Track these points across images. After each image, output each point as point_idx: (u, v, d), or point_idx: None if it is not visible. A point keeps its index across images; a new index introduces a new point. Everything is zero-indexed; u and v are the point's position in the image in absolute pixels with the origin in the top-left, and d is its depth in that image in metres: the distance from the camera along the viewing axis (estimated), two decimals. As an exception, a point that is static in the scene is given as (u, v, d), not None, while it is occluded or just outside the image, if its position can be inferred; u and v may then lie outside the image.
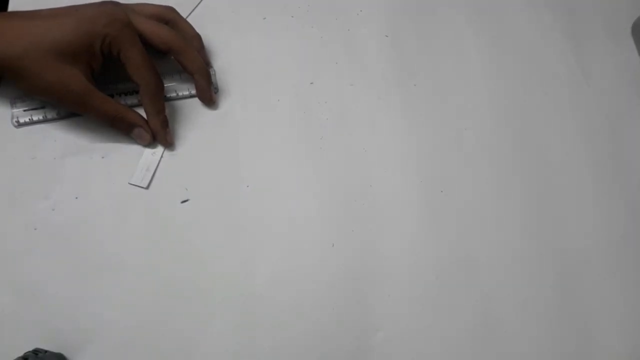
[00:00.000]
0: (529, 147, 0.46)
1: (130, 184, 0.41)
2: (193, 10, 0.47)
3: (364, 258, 0.41)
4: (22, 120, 0.42)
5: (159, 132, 0.42)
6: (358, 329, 0.39)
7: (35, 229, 0.40)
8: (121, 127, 0.41)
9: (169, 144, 0.43)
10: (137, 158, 0.42)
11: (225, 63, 0.46)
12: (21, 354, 0.34)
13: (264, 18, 0.48)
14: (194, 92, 0.44)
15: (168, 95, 0.44)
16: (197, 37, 0.44)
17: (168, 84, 0.44)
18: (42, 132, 0.42)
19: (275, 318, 0.39)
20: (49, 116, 0.42)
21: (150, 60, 0.40)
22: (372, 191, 0.43)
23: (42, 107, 0.42)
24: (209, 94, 0.44)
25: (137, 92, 0.43)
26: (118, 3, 0.40)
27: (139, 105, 0.43)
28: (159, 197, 0.41)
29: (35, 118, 0.42)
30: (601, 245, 0.43)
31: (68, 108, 0.42)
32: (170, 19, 0.43)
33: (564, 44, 0.50)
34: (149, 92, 0.40)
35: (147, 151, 0.42)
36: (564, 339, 0.40)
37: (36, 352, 0.35)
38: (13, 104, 0.42)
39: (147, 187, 0.41)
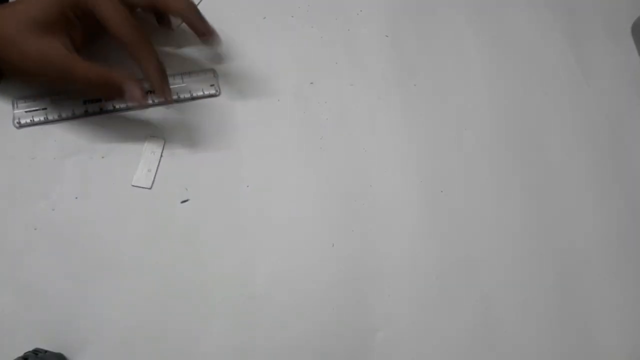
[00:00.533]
0: (529, 147, 0.46)
1: (134, 185, 0.41)
2: (193, 10, 0.48)
3: (364, 258, 0.41)
4: (23, 122, 0.42)
5: (157, 82, 0.39)
6: (358, 329, 0.39)
7: (35, 229, 0.40)
8: (111, 92, 0.39)
9: (168, 97, 0.40)
10: (136, 158, 0.42)
11: (225, 63, 0.46)
12: (21, 354, 0.34)
13: (264, 18, 0.48)
14: (195, 94, 0.44)
15: (169, 96, 0.44)
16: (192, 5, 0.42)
17: (170, 87, 0.44)
18: (42, 132, 0.42)
19: (275, 318, 0.39)
20: (51, 117, 0.42)
21: (126, 12, 0.38)
22: (372, 191, 0.43)
23: (44, 109, 0.42)
24: (205, 27, 0.42)
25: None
26: None
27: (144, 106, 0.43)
28: (159, 197, 0.41)
29: (36, 119, 0.42)
30: (601, 245, 0.43)
31: (54, 82, 0.40)
32: None
33: (564, 44, 0.50)
34: (134, 44, 0.38)
35: (147, 151, 0.42)
36: (564, 339, 0.40)
37: (36, 352, 0.35)
38: (15, 105, 0.42)
39: (151, 188, 0.42)
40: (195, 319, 0.38)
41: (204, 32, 0.43)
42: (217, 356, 0.38)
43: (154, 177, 0.42)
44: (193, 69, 0.45)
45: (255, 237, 0.41)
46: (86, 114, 0.43)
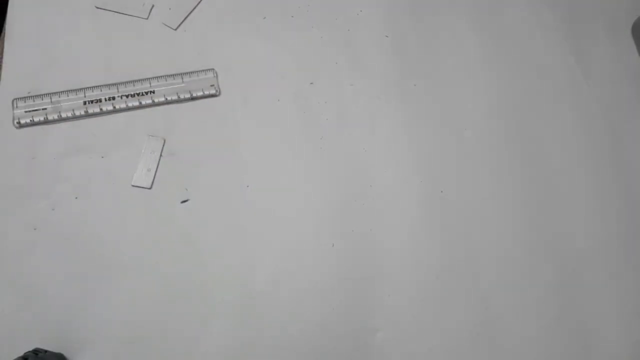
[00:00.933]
0: (529, 147, 0.46)
1: (133, 185, 0.41)
2: (193, 9, 0.48)
3: (364, 258, 0.41)
4: (23, 122, 0.42)
5: None
6: (358, 329, 0.39)
7: (35, 229, 0.40)
8: None
9: None
10: (136, 157, 0.42)
11: (225, 63, 0.46)
12: (21, 354, 0.34)
13: (264, 18, 0.48)
14: (195, 94, 0.44)
15: (170, 98, 0.44)
16: None
17: (170, 87, 0.44)
18: (42, 132, 0.42)
19: (275, 318, 0.39)
20: (50, 117, 0.42)
21: None
22: (372, 191, 0.43)
23: (44, 109, 0.42)
24: None
25: (138, 94, 0.43)
26: None
27: (140, 107, 0.43)
28: (159, 197, 0.41)
29: (36, 119, 0.42)
30: (601, 245, 0.43)
31: None
32: None
33: (564, 44, 0.50)
34: None
35: (147, 150, 0.42)
36: (563, 339, 0.40)
37: (36, 352, 0.35)
38: (14, 105, 0.42)
39: (150, 188, 0.41)
40: (195, 319, 0.38)
41: None
42: (217, 356, 0.38)
43: (154, 177, 0.42)
44: (193, 69, 0.45)
45: (255, 237, 0.41)
46: (86, 114, 0.43)
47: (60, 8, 0.46)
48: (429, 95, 0.47)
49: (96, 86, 0.44)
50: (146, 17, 0.47)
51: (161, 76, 0.44)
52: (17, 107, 0.42)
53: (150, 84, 0.44)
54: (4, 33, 0.45)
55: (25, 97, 0.43)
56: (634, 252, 0.43)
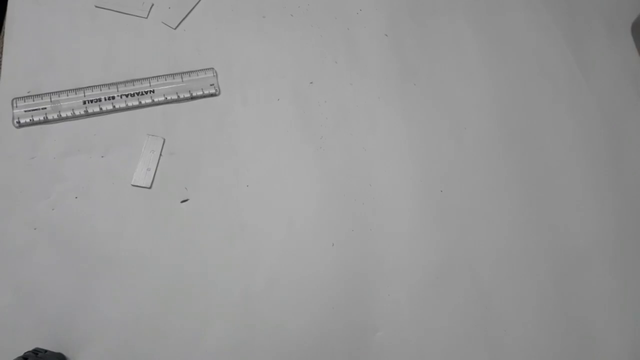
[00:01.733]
0: (529, 147, 0.46)
1: (133, 185, 0.41)
2: (193, 9, 0.48)
3: (364, 258, 0.41)
4: (23, 121, 0.42)
5: None
6: (358, 329, 0.39)
7: (35, 229, 0.40)
8: None
9: None
10: (136, 157, 0.42)
11: (225, 63, 0.46)
12: (21, 353, 0.34)
13: (264, 17, 0.48)
14: (195, 94, 0.44)
15: (169, 98, 0.44)
16: None
17: (170, 86, 0.44)
18: (42, 132, 0.42)
19: (275, 318, 0.39)
20: (50, 117, 0.42)
21: None
22: (372, 191, 0.43)
23: (44, 108, 0.42)
24: None
25: (137, 94, 0.43)
26: None
27: (140, 107, 0.43)
28: (159, 197, 0.41)
29: (36, 119, 0.42)
30: (601, 245, 0.43)
31: None
32: None
33: (564, 44, 0.50)
34: None
35: (146, 150, 0.42)
36: (563, 339, 0.40)
37: (36, 351, 0.35)
38: (14, 104, 0.42)
39: (150, 187, 0.42)
40: (195, 318, 0.38)
41: None
42: (217, 356, 0.38)
43: (154, 177, 0.42)
44: (193, 69, 0.45)
45: (255, 236, 0.41)
46: (86, 114, 0.43)
47: (60, 7, 0.46)
48: (429, 95, 0.47)
49: (96, 85, 0.44)
50: (146, 16, 0.47)
51: (161, 75, 0.44)
52: (16, 106, 0.42)
53: (149, 83, 0.44)
54: (4, 32, 0.45)
55: (24, 97, 0.42)
56: (632, 250, 0.43)
